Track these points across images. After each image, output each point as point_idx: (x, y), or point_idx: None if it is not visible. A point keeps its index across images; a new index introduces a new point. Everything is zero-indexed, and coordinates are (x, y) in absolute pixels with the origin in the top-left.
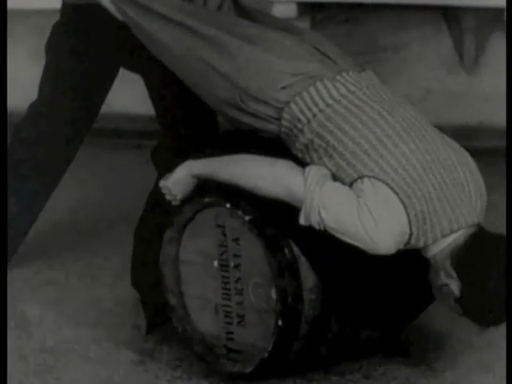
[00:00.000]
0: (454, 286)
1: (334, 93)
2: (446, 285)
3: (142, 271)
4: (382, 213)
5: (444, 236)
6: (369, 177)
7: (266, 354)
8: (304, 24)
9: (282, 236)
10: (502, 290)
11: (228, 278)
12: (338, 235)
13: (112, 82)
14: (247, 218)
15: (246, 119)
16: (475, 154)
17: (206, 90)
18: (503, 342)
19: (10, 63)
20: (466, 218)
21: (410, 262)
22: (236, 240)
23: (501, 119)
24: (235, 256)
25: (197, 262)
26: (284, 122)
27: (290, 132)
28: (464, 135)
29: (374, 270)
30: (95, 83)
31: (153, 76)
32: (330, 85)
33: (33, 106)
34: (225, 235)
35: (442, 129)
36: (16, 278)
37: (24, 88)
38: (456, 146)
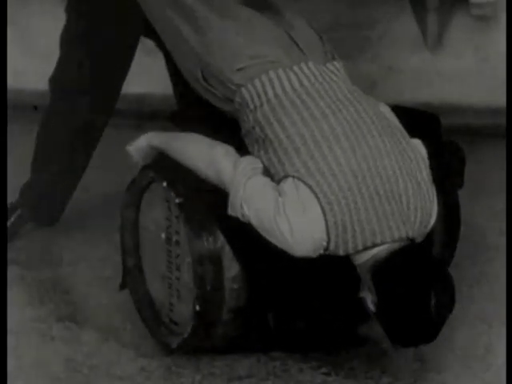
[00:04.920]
0: (369, 301)
1: (286, 83)
2: (364, 298)
3: None
4: (297, 216)
5: (366, 248)
6: (293, 177)
7: (185, 335)
8: None
9: (209, 223)
10: (423, 312)
11: (171, 252)
12: (259, 231)
13: (134, 51)
14: (177, 200)
15: (206, 95)
16: None
17: (177, 58)
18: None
19: None
20: (392, 231)
21: (342, 266)
22: (177, 217)
23: (462, 97)
24: (176, 233)
25: (152, 230)
26: (236, 105)
27: (240, 116)
28: None
29: (300, 269)
30: (115, 53)
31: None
32: (283, 75)
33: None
34: (170, 210)
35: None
36: None
37: None
38: (412, 153)
